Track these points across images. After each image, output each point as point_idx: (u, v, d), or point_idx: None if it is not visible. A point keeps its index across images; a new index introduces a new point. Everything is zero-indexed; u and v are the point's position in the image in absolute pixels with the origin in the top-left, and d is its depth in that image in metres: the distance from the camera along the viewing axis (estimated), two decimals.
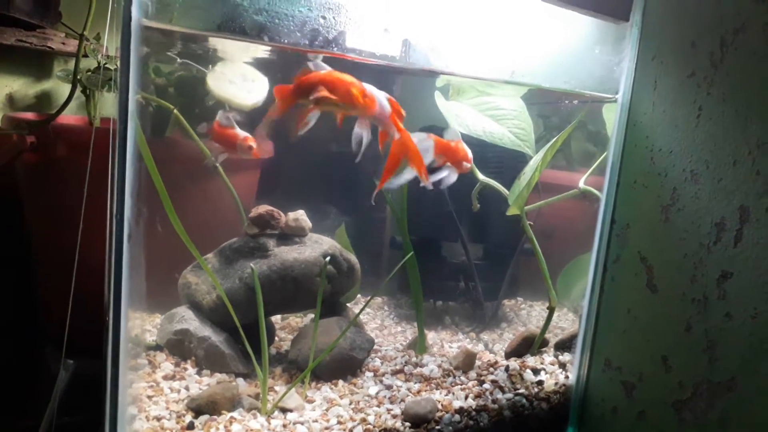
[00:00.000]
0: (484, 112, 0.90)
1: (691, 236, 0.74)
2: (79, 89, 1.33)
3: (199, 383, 0.83)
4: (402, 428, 0.78)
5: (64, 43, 1.46)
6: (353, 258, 0.98)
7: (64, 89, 1.55)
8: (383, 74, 1.08)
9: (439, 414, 0.81)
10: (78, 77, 1.36)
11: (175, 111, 0.99)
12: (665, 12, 0.79)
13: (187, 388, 0.81)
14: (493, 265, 1.19)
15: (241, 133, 0.94)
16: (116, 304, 0.69)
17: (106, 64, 1.43)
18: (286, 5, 0.63)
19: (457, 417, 0.82)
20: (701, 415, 0.73)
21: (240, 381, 0.86)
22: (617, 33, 0.83)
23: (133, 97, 0.60)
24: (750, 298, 0.67)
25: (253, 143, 0.94)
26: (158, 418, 0.75)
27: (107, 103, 1.51)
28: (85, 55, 1.45)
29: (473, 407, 0.83)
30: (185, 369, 0.85)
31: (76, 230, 1.08)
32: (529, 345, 0.98)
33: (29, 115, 1.43)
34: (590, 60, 0.84)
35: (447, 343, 1.10)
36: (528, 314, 1.28)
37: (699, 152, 0.74)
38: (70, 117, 1.52)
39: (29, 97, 1.57)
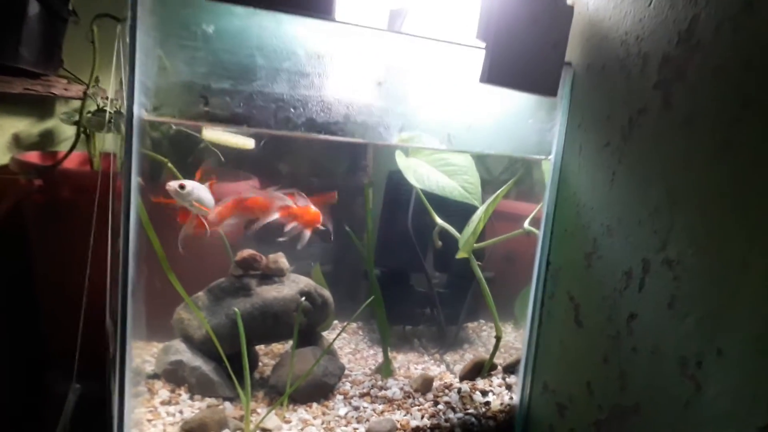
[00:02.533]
0: (438, 168, 1.03)
1: (608, 281, 0.88)
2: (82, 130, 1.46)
3: (192, 407, 0.96)
4: None
5: (66, 89, 1.58)
6: (327, 293, 1.12)
7: (66, 127, 1.68)
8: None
9: None
10: (78, 120, 1.48)
11: (169, 164, 1.12)
12: (588, 88, 0.93)
13: (181, 412, 0.94)
14: (455, 293, 1.33)
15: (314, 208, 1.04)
16: (122, 345, 0.81)
17: (104, 107, 1.56)
18: (263, 100, 0.76)
19: None
20: None
21: (227, 404, 0.99)
22: (550, 102, 0.97)
23: (135, 179, 0.73)
24: (650, 336, 0.81)
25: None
26: None
27: (105, 140, 1.64)
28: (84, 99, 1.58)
29: (428, 426, 0.96)
30: (179, 395, 0.98)
31: (79, 265, 1.22)
32: (479, 369, 1.12)
33: (35, 156, 1.55)
34: (526, 127, 0.98)
35: (413, 365, 1.23)
36: (489, 335, 1.42)
37: (613, 211, 0.87)
38: (72, 154, 1.62)
39: (33, 136, 1.69)
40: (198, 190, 0.94)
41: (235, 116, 0.76)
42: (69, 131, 1.67)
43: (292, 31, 0.77)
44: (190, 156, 1.18)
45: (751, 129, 0.68)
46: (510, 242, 1.21)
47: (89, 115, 1.52)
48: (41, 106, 1.64)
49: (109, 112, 1.44)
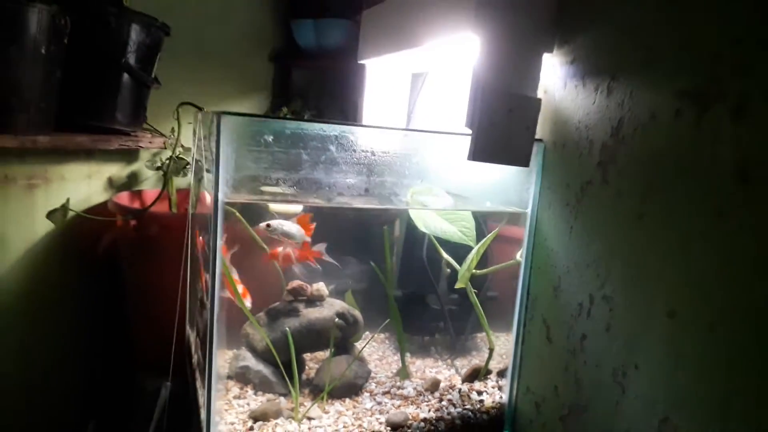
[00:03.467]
0: (441, 216, 1.32)
1: (567, 309, 1.15)
2: (160, 173, 1.83)
3: (256, 401, 1.27)
4: (385, 431, 1.22)
5: (150, 142, 1.94)
6: (357, 313, 1.42)
7: (147, 170, 2.04)
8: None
9: (409, 422, 1.23)
10: (159, 166, 1.84)
11: (237, 214, 1.44)
12: (554, 159, 1.19)
13: (248, 404, 1.26)
14: (464, 310, 1.61)
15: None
16: (210, 354, 1.13)
17: (180, 155, 1.92)
18: (307, 183, 1.07)
19: (422, 424, 1.24)
20: (573, 425, 1.13)
21: (282, 399, 1.29)
22: (528, 169, 1.24)
23: (219, 243, 1.05)
24: (596, 353, 1.08)
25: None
26: (231, 423, 1.20)
27: (180, 180, 1.99)
28: (164, 148, 1.94)
29: (433, 418, 1.25)
30: (247, 391, 1.30)
31: (163, 289, 1.57)
32: (477, 374, 1.40)
33: (125, 196, 1.91)
34: (510, 188, 1.25)
35: (429, 369, 1.52)
36: (495, 344, 1.69)
37: (571, 256, 1.14)
38: (152, 192, 1.99)
39: (122, 178, 2.07)
40: (283, 226, 1.27)
41: (287, 196, 1.07)
42: (149, 172, 2.04)
43: (327, 133, 1.07)
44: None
45: (656, 207, 0.94)
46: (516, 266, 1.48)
47: (167, 161, 1.87)
48: (129, 154, 2.00)
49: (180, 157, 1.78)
